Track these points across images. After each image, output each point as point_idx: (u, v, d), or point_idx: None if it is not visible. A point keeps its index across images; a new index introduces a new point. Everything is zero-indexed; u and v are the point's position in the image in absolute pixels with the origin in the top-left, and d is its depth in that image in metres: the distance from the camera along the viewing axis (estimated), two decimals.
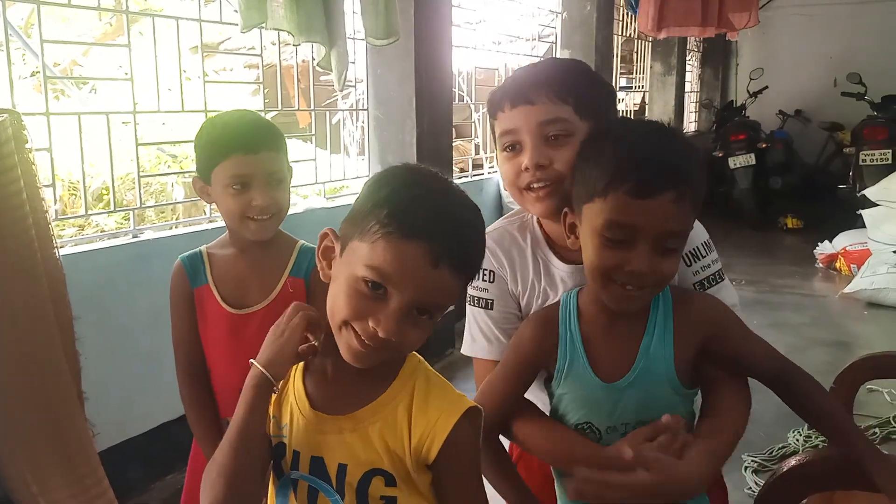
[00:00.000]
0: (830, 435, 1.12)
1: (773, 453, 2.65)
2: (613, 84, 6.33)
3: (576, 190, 1.06)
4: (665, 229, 0.98)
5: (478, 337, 1.24)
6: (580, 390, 1.10)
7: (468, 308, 1.25)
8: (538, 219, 1.24)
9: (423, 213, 0.84)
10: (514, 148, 1.15)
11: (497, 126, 1.18)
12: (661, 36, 5.75)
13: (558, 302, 1.13)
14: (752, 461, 2.62)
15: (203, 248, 1.46)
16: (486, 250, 1.14)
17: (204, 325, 1.44)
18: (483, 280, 1.23)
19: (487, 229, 1.16)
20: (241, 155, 1.32)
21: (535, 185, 1.13)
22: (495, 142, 1.21)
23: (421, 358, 0.96)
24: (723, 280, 1.21)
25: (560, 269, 1.21)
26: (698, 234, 1.19)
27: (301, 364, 0.98)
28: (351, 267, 0.87)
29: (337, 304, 0.88)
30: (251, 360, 0.94)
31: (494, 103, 1.18)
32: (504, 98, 1.16)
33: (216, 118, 1.44)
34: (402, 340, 0.87)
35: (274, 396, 0.97)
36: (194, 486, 1.49)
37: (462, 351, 1.27)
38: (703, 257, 1.18)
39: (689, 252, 1.17)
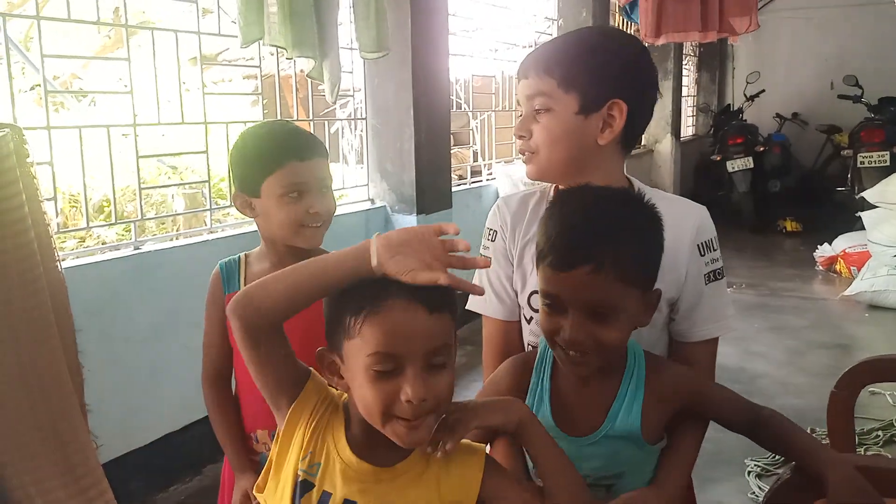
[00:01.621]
0: (806, 465, 1.10)
1: (776, 458, 2.64)
2: None
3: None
4: (588, 300, 1.00)
5: None
6: None
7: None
8: (555, 189, 1.28)
9: (376, 285, 0.88)
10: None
11: None
12: (660, 42, 5.75)
13: (537, 349, 1.16)
14: (756, 465, 2.62)
15: (242, 254, 1.45)
16: (495, 210, 1.30)
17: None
18: (487, 239, 1.30)
19: (504, 197, 1.33)
20: (297, 162, 1.32)
21: (524, 152, 1.21)
22: None
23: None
24: (724, 277, 1.24)
25: None
26: (709, 228, 1.21)
27: (341, 413, 0.98)
28: (358, 366, 0.90)
29: (367, 403, 0.90)
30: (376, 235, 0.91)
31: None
32: (518, 70, 1.23)
33: (255, 130, 1.41)
34: (436, 396, 0.89)
35: (311, 434, 0.98)
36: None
37: (467, 306, 1.29)
38: (714, 251, 1.21)
39: (703, 243, 1.19)
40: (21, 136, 1.91)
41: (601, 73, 1.15)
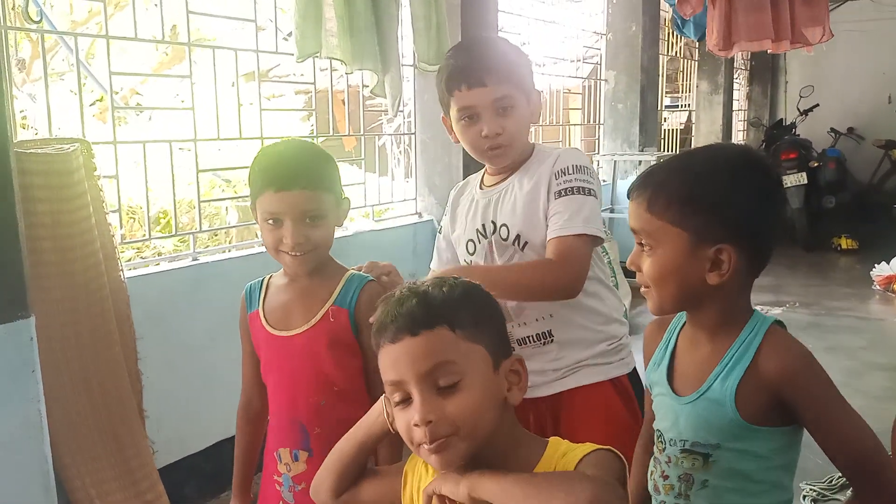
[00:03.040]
0: None
1: (833, 482, 2.56)
2: (659, 103, 6.29)
3: None
4: (632, 227, 1.12)
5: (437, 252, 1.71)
6: (658, 396, 1.18)
7: None
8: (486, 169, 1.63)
9: (387, 315, 0.93)
10: (471, 118, 1.48)
11: (455, 101, 1.49)
12: (733, 53, 5.56)
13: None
14: (811, 490, 2.54)
15: (269, 275, 1.50)
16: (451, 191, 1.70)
17: (258, 350, 1.47)
18: (444, 214, 1.68)
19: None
20: (272, 192, 1.33)
21: (494, 147, 1.49)
22: (444, 105, 1.54)
23: (568, 445, 0.95)
24: (586, 195, 1.44)
25: (475, 193, 1.61)
26: (571, 156, 1.49)
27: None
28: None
29: (402, 435, 0.94)
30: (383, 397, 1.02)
31: (451, 83, 1.49)
32: (461, 80, 1.47)
33: (264, 150, 1.45)
34: (449, 418, 0.88)
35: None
36: None
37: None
38: (568, 174, 1.45)
39: (559, 169, 1.46)
40: (90, 150, 2.00)
41: (529, 77, 1.53)
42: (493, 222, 1.55)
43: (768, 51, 5.52)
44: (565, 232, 1.41)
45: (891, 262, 5.47)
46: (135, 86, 5.77)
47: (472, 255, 1.59)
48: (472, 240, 1.58)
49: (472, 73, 1.46)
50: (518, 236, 1.50)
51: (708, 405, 1.08)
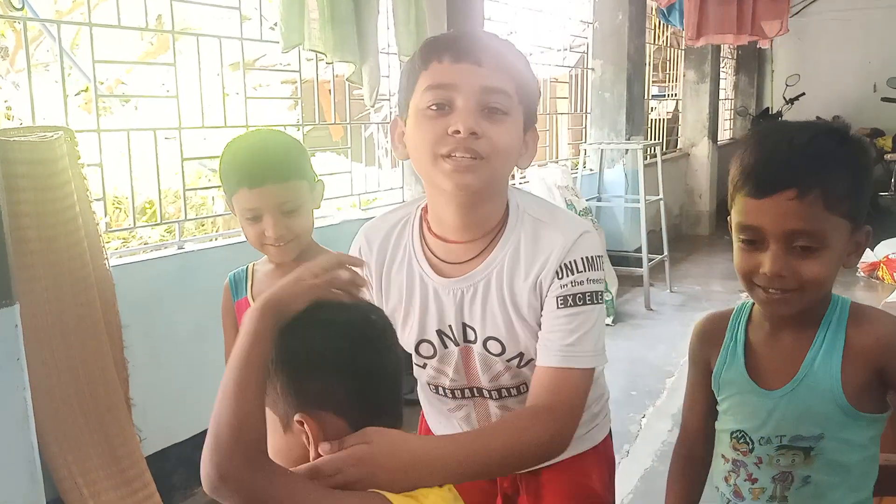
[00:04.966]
0: None
1: None
2: (645, 92, 6.32)
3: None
4: (791, 229, 0.95)
5: None
6: (736, 395, 1.09)
7: None
8: (421, 219, 1.15)
9: None
10: (442, 108, 1.01)
11: (424, 78, 1.03)
12: (700, 44, 5.70)
13: (733, 307, 1.12)
14: None
15: (252, 263, 1.50)
16: (359, 245, 1.17)
17: None
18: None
19: (367, 223, 1.20)
20: (247, 189, 1.33)
21: (459, 155, 1.00)
22: (403, 97, 1.07)
23: None
24: (595, 304, 1.06)
25: (425, 274, 1.12)
26: (584, 245, 1.07)
27: None
28: None
29: None
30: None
31: (430, 52, 1.04)
32: (445, 49, 1.02)
33: (231, 145, 1.43)
34: None
35: None
36: None
37: None
38: (577, 272, 1.05)
39: (567, 263, 1.05)
40: (73, 139, 2.00)
41: (535, 91, 1.10)
42: (469, 327, 1.11)
43: (729, 46, 5.72)
44: (571, 363, 1.03)
45: (875, 249, 5.53)
46: (120, 76, 5.73)
47: (431, 358, 1.15)
48: (428, 341, 1.14)
49: (466, 46, 1.02)
50: (521, 355, 1.12)
51: (809, 392, 1.01)
